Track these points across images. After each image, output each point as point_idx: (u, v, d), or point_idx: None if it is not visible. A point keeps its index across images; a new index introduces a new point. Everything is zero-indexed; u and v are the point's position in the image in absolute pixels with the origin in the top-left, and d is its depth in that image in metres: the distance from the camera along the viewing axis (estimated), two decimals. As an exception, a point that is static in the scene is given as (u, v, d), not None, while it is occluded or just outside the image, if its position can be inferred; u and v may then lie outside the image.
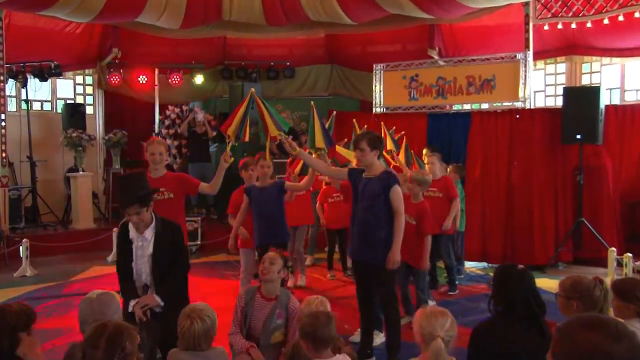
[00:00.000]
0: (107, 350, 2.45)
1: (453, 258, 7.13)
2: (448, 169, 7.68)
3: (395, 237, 4.58)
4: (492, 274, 3.13)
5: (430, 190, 6.92)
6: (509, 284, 3.07)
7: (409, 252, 5.31)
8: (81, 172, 10.33)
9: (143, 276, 4.04)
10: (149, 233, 4.05)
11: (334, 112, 7.14)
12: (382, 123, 7.69)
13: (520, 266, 3.15)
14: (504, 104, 9.16)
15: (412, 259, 5.62)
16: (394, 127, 7.52)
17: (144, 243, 4.04)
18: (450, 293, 6.87)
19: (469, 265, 8.47)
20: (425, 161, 7.45)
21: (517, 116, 8.60)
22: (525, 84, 8.67)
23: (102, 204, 11.32)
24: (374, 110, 9.95)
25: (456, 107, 9.79)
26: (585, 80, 10.54)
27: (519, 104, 8.76)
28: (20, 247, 8.20)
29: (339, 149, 6.88)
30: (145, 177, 4.24)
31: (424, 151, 7.88)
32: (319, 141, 5.64)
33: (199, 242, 9.62)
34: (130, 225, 4.09)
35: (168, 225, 4.14)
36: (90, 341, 2.51)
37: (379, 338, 5.17)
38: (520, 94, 8.70)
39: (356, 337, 5.12)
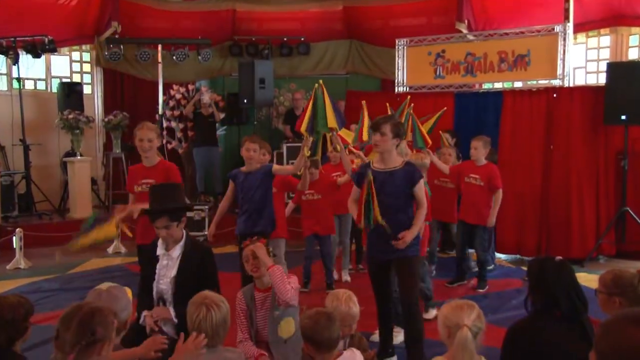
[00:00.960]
0: (76, 333, 2.50)
1: (487, 252, 7.11)
2: None
3: (417, 222, 4.63)
4: (525, 268, 3.13)
5: (472, 177, 6.93)
6: (547, 278, 3.05)
7: None
8: (79, 157, 10.41)
9: (164, 298, 4.06)
10: (176, 252, 4.07)
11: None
12: (387, 104, 7.64)
13: (558, 258, 3.13)
14: (540, 82, 9.06)
15: None
16: (412, 105, 7.43)
17: (169, 262, 4.06)
18: (480, 290, 6.87)
19: (499, 257, 8.46)
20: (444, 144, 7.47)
21: (555, 95, 8.50)
22: (564, 59, 8.55)
23: (101, 191, 11.43)
24: (396, 90, 9.89)
25: (486, 86, 9.74)
26: (632, 55, 10.38)
27: (556, 82, 8.65)
28: (14, 238, 8.29)
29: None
30: (181, 189, 4.27)
31: (445, 136, 7.86)
32: (331, 121, 5.63)
33: (206, 233, 9.63)
34: (160, 242, 4.13)
35: (198, 248, 4.16)
36: (63, 322, 2.56)
37: (401, 335, 5.16)
38: (558, 71, 8.58)
39: (376, 336, 5.14)
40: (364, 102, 7.00)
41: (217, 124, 11.32)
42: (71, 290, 7.02)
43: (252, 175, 5.76)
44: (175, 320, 3.91)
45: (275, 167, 5.89)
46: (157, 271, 4.08)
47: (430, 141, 7.00)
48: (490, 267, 7.64)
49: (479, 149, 6.93)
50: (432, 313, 5.80)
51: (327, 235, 6.95)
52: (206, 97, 11.03)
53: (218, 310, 3.03)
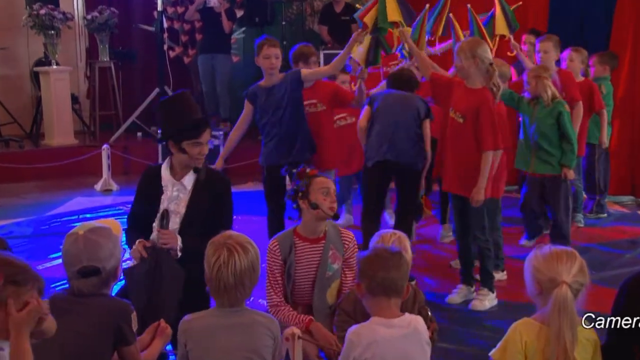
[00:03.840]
0: None
1: (581, 186, 7.02)
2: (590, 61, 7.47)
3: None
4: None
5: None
6: None
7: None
8: (55, 66, 10.39)
9: None
10: (189, 180, 4.17)
11: None
12: None
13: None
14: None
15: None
16: None
17: (180, 193, 4.16)
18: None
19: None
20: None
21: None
22: None
23: (85, 111, 11.47)
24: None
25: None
26: None
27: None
28: (-25, 170, 8.44)
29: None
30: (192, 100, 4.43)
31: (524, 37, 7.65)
32: (393, 13, 5.44)
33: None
34: (164, 168, 4.22)
35: (215, 176, 4.30)
36: None
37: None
38: None
39: (456, 297, 5.42)
40: None
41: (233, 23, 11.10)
42: (48, 235, 7.15)
43: (276, 90, 5.73)
44: (179, 253, 3.96)
45: (305, 71, 5.81)
46: (161, 204, 4.13)
47: (491, 43, 6.73)
48: (603, 215, 7.62)
49: (550, 53, 6.81)
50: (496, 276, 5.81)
51: None
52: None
53: (244, 254, 2.99)
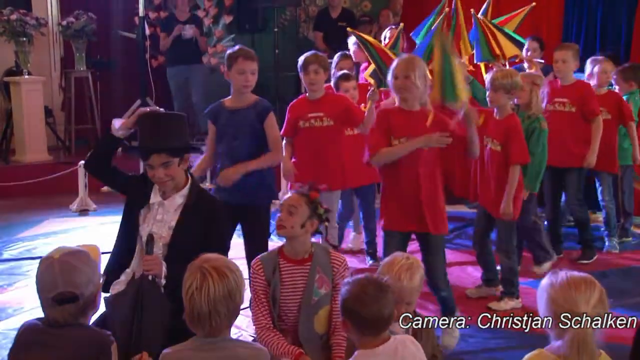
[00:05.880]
0: None
1: (584, 207, 7.06)
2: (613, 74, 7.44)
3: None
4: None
5: (558, 102, 6.87)
6: None
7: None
8: (27, 76, 10.38)
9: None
10: (175, 202, 4.14)
11: (401, 25, 6.82)
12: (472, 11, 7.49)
13: None
14: None
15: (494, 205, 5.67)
16: None
17: (164, 216, 4.13)
18: (583, 262, 6.90)
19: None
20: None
21: None
22: None
23: (59, 125, 11.47)
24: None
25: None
26: None
27: None
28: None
29: None
30: (184, 120, 4.37)
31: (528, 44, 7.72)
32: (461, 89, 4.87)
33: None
34: (155, 188, 4.19)
35: (207, 200, 4.23)
36: None
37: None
38: None
39: None
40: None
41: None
42: (18, 260, 7.14)
43: (240, 115, 5.18)
44: (164, 280, 3.90)
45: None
46: (144, 223, 4.14)
47: (499, 51, 6.78)
48: (628, 239, 7.63)
49: (569, 62, 6.83)
50: (510, 304, 5.81)
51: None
52: (189, 32, 10.66)
53: (219, 280, 2.95)
